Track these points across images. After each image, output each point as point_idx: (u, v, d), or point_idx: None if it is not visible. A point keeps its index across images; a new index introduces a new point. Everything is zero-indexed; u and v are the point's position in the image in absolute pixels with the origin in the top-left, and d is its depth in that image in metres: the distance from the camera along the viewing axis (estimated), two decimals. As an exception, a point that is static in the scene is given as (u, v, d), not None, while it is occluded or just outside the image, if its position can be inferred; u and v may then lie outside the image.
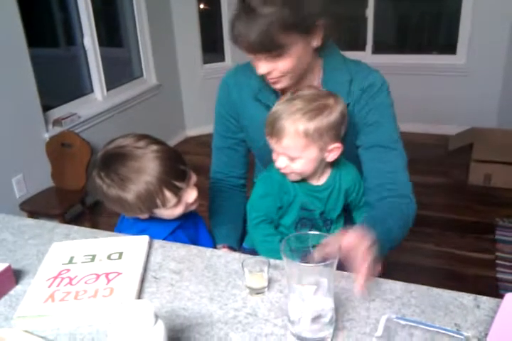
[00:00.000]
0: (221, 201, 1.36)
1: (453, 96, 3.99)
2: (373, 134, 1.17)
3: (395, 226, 1.08)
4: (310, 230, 1.15)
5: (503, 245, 2.56)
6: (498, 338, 0.72)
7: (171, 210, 1.09)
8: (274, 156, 1.12)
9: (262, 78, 1.15)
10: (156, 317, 0.67)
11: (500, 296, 0.83)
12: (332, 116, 1.04)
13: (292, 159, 1.08)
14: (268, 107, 1.18)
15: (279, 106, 1.07)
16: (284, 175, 1.14)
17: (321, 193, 1.17)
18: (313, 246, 0.77)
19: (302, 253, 0.76)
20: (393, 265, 1.40)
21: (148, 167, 1.02)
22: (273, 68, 1.08)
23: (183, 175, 1.07)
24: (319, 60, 1.18)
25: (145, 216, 1.10)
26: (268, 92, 1.20)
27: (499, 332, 0.73)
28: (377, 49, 4.12)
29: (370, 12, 3.99)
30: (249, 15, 1.00)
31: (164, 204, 1.06)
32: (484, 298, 0.86)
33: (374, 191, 1.17)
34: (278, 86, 1.14)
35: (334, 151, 1.09)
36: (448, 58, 3.97)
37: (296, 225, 1.19)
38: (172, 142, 4.16)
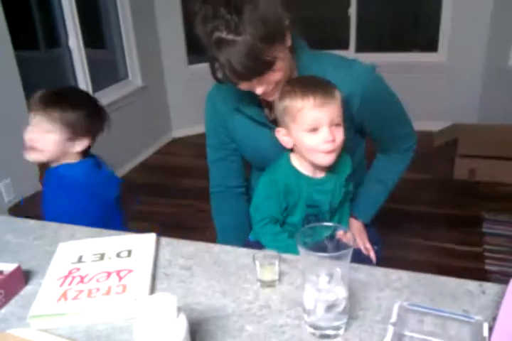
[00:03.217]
0: (225, 209, 1.39)
1: (435, 93, 4.05)
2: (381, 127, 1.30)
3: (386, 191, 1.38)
4: None
5: (491, 238, 2.61)
6: (507, 321, 0.75)
7: None
8: None
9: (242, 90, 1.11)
10: (179, 309, 0.68)
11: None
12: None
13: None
14: (251, 119, 1.19)
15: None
16: (287, 175, 1.16)
17: (324, 186, 1.18)
18: (327, 238, 0.79)
19: (316, 244, 0.78)
20: (385, 260, 1.43)
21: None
22: (267, 85, 1.08)
23: None
24: (294, 59, 1.16)
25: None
26: (249, 104, 1.19)
27: (507, 315, 0.76)
28: (361, 47, 4.16)
29: (352, 11, 4.04)
30: (226, 47, 0.97)
31: None
32: (489, 284, 0.89)
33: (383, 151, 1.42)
34: (271, 98, 1.13)
35: None
36: (430, 56, 4.04)
37: (302, 223, 1.21)
38: (159, 143, 4.15)
